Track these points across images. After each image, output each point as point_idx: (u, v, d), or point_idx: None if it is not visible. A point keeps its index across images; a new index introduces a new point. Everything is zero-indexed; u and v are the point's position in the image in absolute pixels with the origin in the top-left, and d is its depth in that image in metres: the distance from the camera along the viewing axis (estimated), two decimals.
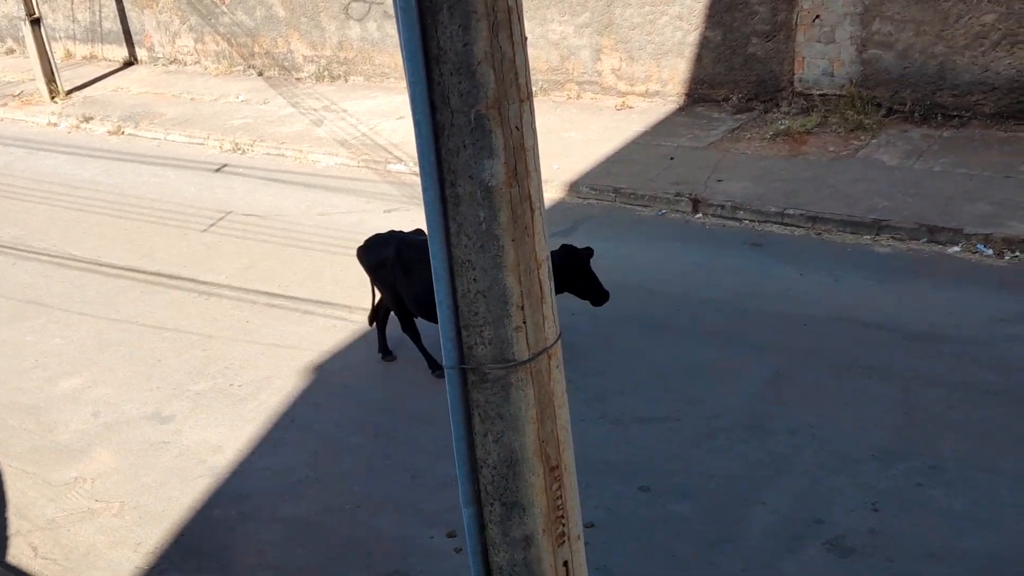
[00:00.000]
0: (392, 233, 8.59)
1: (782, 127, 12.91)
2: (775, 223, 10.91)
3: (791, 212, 10.87)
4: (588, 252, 8.21)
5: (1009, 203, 10.28)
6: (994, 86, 11.97)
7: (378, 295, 8.74)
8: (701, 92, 14.34)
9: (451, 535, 6.65)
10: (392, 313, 8.72)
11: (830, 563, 6.08)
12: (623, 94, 14.98)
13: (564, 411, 3.24)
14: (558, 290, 7.54)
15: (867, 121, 12.54)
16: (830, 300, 9.17)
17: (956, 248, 9.86)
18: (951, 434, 7.12)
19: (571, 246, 8.15)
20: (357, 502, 7.16)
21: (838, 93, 13.06)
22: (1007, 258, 9.57)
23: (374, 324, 8.98)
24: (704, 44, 14.03)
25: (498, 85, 2.77)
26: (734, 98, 13.96)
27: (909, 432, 7.20)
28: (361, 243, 8.71)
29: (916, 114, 12.51)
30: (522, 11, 2.82)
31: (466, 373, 3.08)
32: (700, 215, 11.43)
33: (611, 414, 7.86)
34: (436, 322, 8.40)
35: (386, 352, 8.91)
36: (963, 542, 6.11)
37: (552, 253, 7.49)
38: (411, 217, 11.57)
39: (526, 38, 2.84)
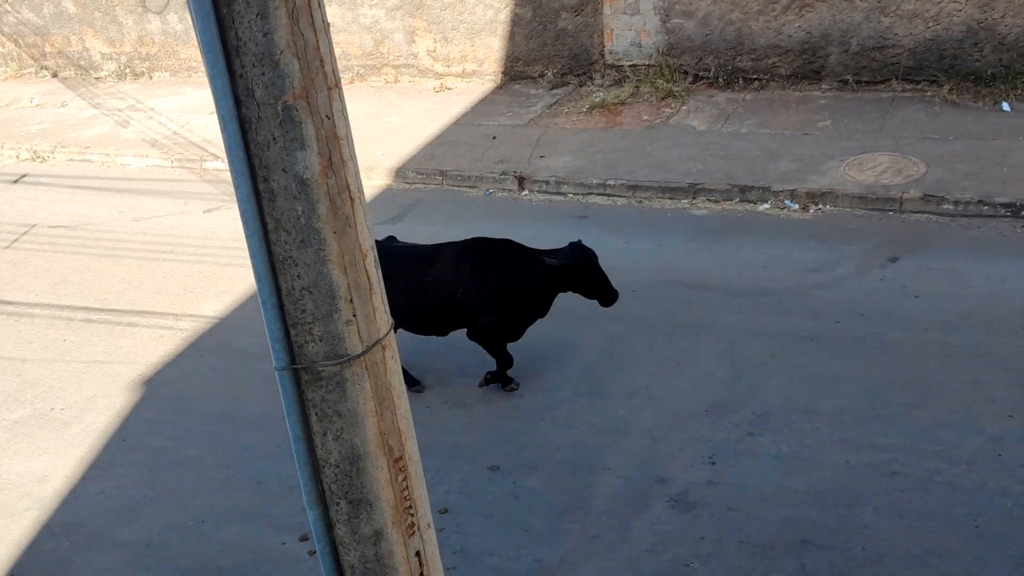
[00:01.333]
0: None
1: (597, 100, 13.22)
2: (598, 194, 11.18)
3: (612, 183, 11.16)
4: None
5: (809, 159, 10.92)
6: (787, 49, 12.66)
7: None
8: (517, 69, 14.48)
9: (303, 539, 6.50)
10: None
11: (675, 519, 6.32)
12: (440, 76, 14.95)
13: (404, 401, 3.21)
14: (563, 288, 7.40)
15: (676, 89, 13.02)
16: (655, 265, 9.49)
17: (766, 205, 10.40)
18: (775, 382, 7.53)
19: (581, 243, 7.40)
20: (201, 517, 6.89)
21: (647, 63, 13.49)
22: (811, 211, 10.17)
23: None
24: (515, 21, 14.17)
25: (304, 74, 2.69)
26: (549, 74, 14.18)
27: (737, 384, 7.56)
28: None
29: (720, 79, 13.08)
30: None
31: (298, 373, 2.99)
32: (526, 192, 11.57)
33: (455, 397, 7.88)
34: (421, 333, 7.60)
35: (412, 382, 7.94)
36: (792, 482, 6.49)
37: (562, 250, 7.26)
38: (233, 215, 11.17)
39: (329, 24, 2.76)
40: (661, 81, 13.15)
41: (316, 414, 3.01)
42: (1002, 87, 11.44)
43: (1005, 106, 11.25)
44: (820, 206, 10.20)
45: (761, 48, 12.77)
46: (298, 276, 2.89)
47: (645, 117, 12.71)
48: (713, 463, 6.78)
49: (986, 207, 9.54)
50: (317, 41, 2.71)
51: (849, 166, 10.64)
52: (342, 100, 2.86)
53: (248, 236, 2.87)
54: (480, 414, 7.64)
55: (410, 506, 3.18)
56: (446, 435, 7.39)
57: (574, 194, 11.30)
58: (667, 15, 13.14)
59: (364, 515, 3.09)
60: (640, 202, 10.93)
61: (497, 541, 6.34)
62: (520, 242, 7.60)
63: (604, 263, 9.67)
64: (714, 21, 12.88)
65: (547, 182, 11.48)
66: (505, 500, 6.69)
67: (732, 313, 8.51)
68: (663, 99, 12.98)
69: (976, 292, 8.29)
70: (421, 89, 14.96)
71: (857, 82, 12.36)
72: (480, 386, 7.85)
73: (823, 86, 12.56)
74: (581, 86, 13.92)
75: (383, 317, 3.07)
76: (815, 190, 10.27)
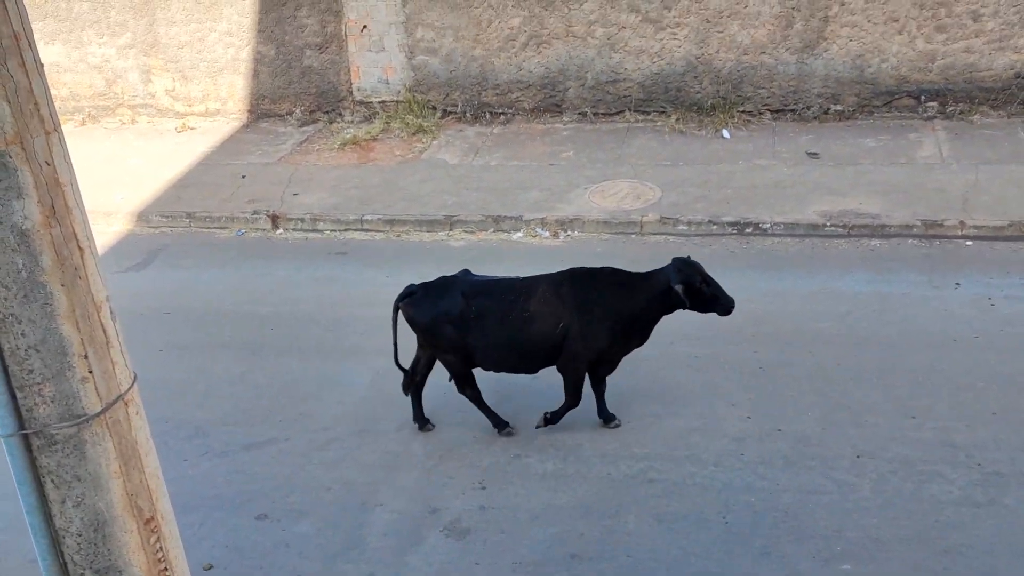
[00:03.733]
0: (444, 279, 7.28)
1: (348, 136, 13.19)
2: (356, 230, 11.13)
3: (369, 218, 11.15)
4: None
5: (556, 188, 11.42)
6: (529, 84, 13.21)
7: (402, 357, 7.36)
8: (264, 107, 14.19)
9: None
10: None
11: (450, 547, 6.36)
12: (182, 115, 14.37)
13: (152, 458, 3.03)
14: (671, 309, 6.93)
15: (426, 124, 13.22)
16: None
17: (519, 234, 10.75)
18: (538, 402, 7.75)
19: (687, 258, 7.05)
20: None
21: (395, 99, 13.62)
22: (562, 238, 10.63)
23: (409, 392, 7.56)
24: (259, 59, 13.89)
25: (16, 119, 2.50)
26: (297, 111, 13.99)
27: (503, 408, 7.72)
28: (403, 298, 7.23)
29: (468, 114, 13.43)
30: (32, 35, 2.56)
31: (29, 438, 2.75)
32: (281, 231, 11.32)
33: (216, 447, 7.53)
34: (512, 371, 7.09)
35: (424, 421, 7.56)
36: (559, 499, 6.71)
37: (665, 270, 6.93)
38: None
39: (42, 64, 2.59)
40: (411, 117, 13.32)
41: (52, 481, 2.78)
42: (721, 116, 12.50)
43: (725, 133, 12.30)
44: (569, 232, 10.68)
45: (504, 83, 13.25)
46: (23, 334, 2.67)
47: (398, 152, 12.81)
48: (484, 488, 6.88)
49: (715, 226, 10.35)
50: (30, 83, 2.54)
51: (593, 193, 11.22)
52: (63, 144, 2.68)
53: None
54: (244, 462, 7.35)
55: (166, 568, 3.00)
56: (208, 488, 7.05)
57: (331, 231, 11.18)
58: (412, 52, 13.35)
59: None
60: (398, 236, 10.98)
61: None
62: (619, 268, 7.29)
63: (364, 298, 9.65)
64: (458, 58, 13.23)
65: (302, 219, 11.30)
66: (275, 549, 6.46)
67: None
68: (414, 134, 13.15)
69: None
70: (162, 129, 14.30)
71: (595, 114, 13.09)
72: (537, 427, 7.36)
73: (564, 118, 13.20)
74: (331, 123, 13.84)
75: (124, 371, 2.89)
76: (564, 218, 10.75)
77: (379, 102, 13.71)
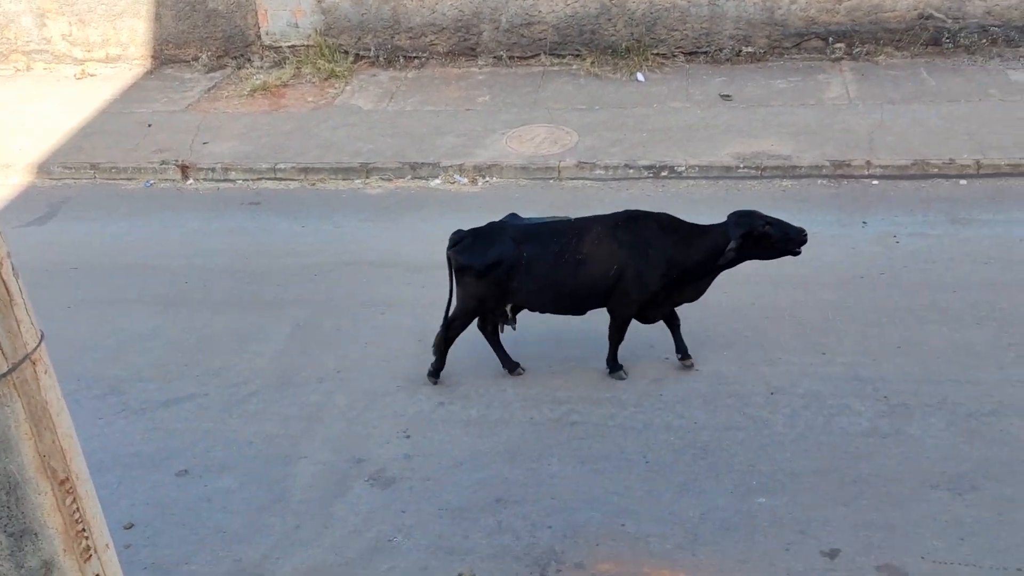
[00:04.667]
0: (492, 226, 7.06)
1: (258, 82, 12.82)
2: (269, 179, 10.88)
3: (283, 166, 10.91)
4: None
5: (473, 134, 11.33)
6: (443, 27, 13.00)
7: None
8: (168, 53, 13.67)
9: None
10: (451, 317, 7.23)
11: (375, 497, 6.37)
12: (81, 61, 13.75)
13: (64, 417, 2.93)
14: (734, 263, 6.77)
15: (338, 69, 12.93)
16: (334, 246, 9.42)
17: (437, 181, 10.66)
18: (460, 350, 7.75)
19: (739, 211, 6.85)
20: None
21: (306, 43, 13.27)
22: (480, 184, 10.57)
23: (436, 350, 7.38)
24: (161, 2, 13.35)
25: None
26: (204, 56, 13.52)
27: (426, 356, 7.70)
28: (453, 245, 7.04)
29: (381, 58, 13.17)
30: None
31: None
32: (191, 181, 11.00)
33: (132, 404, 7.37)
34: (561, 313, 6.92)
35: (514, 366, 7.40)
36: (484, 444, 6.76)
37: (723, 226, 6.68)
38: None
39: None
40: (323, 62, 13.00)
41: None
42: (636, 59, 12.51)
43: (640, 76, 12.32)
44: (487, 178, 10.63)
45: (418, 27, 13.01)
46: None
47: (310, 99, 12.52)
48: (408, 437, 6.89)
49: (631, 170, 10.42)
50: None
51: (510, 139, 11.17)
52: None
53: None
54: (162, 419, 7.21)
55: (83, 529, 2.92)
56: (126, 446, 6.91)
57: (243, 180, 10.91)
58: None
59: (29, 547, 2.80)
60: (313, 184, 10.78)
61: (192, 548, 6.04)
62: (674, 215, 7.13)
63: (280, 248, 9.49)
64: (369, 0, 12.92)
65: (213, 169, 10.99)
66: (198, 505, 6.38)
67: (415, 288, 8.66)
68: (326, 80, 12.85)
69: None
70: (60, 76, 13.69)
71: (510, 58, 12.97)
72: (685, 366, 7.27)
73: (479, 62, 13.05)
74: (240, 69, 13.42)
75: (30, 330, 2.77)
76: (481, 164, 10.68)
77: (289, 46, 13.34)
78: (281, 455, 6.78)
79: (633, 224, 6.92)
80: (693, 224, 7.02)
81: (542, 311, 7.18)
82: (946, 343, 7.40)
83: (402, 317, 8.23)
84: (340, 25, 13.15)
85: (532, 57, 12.96)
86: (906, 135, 10.46)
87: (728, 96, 11.70)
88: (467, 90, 12.44)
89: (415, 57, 13.17)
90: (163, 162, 11.10)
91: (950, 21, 12.07)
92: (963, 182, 9.75)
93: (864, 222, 9.14)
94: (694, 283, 7.06)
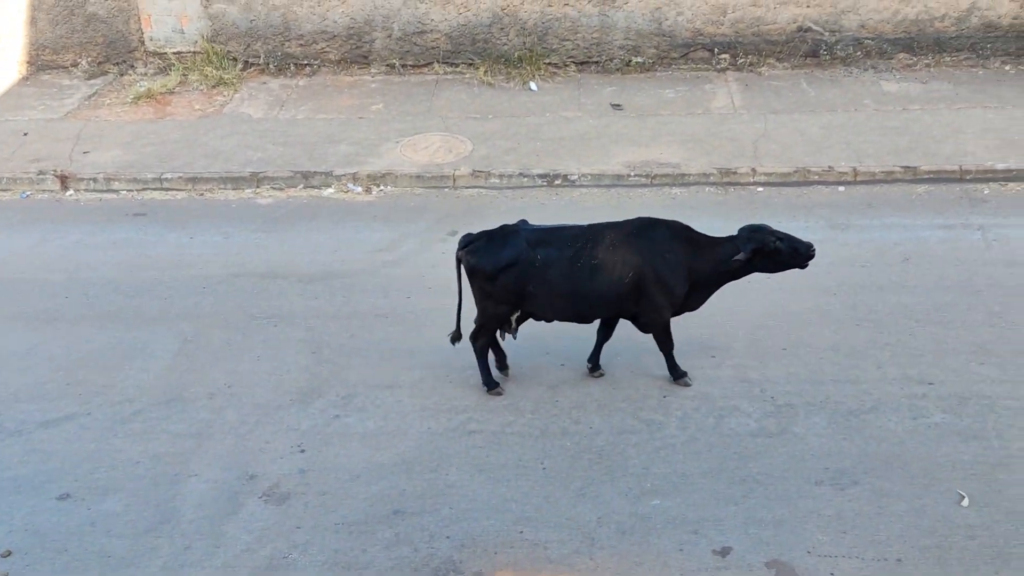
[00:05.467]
0: (505, 227, 6.96)
1: (143, 89, 12.43)
2: (155, 189, 10.57)
3: (169, 176, 10.61)
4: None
5: (367, 142, 11.23)
6: (334, 34, 12.86)
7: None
8: (45, 58, 13.14)
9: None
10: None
11: (269, 513, 6.23)
12: None
13: None
14: (743, 273, 6.92)
15: (227, 76, 12.65)
16: (224, 258, 9.21)
17: (331, 190, 10.52)
18: (356, 362, 7.69)
19: (750, 226, 6.96)
20: None
21: (192, 50, 12.94)
22: (374, 193, 10.48)
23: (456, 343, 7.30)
24: (36, 5, 12.83)
25: None
26: (84, 62, 13.04)
27: (320, 368, 7.61)
28: (464, 246, 6.94)
29: (271, 65, 12.94)
30: None
31: None
32: (71, 192, 10.59)
33: (8, 425, 7.05)
34: (579, 322, 6.80)
35: (492, 384, 7.29)
36: (381, 456, 6.70)
37: (734, 240, 6.81)
38: None
39: None
40: (210, 69, 12.70)
41: None
42: (528, 68, 12.62)
43: (533, 86, 12.43)
44: (382, 187, 10.55)
45: (309, 34, 12.84)
46: None
47: (197, 107, 12.21)
48: (303, 451, 6.77)
49: (526, 178, 10.50)
50: None
51: (404, 147, 11.11)
52: None
53: None
54: (41, 440, 6.91)
55: None
56: (2, 470, 6.59)
57: (128, 191, 10.56)
58: (207, 0, 12.69)
59: None
60: (201, 194, 10.52)
61: (74, 575, 5.81)
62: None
63: (167, 260, 9.23)
64: (258, 6, 12.69)
65: (95, 179, 10.61)
66: (80, 529, 6.13)
67: (308, 299, 8.53)
68: (214, 87, 12.55)
69: None
70: None
71: (403, 66, 12.91)
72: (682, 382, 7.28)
73: (372, 70, 12.95)
74: (123, 75, 12.99)
75: None
76: (376, 172, 10.60)
77: (175, 53, 12.98)
78: (169, 474, 6.58)
79: (647, 231, 6.98)
80: (704, 235, 7.12)
81: (551, 319, 7.12)
82: (828, 344, 7.69)
83: (294, 329, 8.10)
84: (228, 32, 12.87)
85: (426, 65, 12.94)
86: (788, 144, 10.83)
87: (619, 105, 11.91)
88: (360, 98, 12.33)
89: (306, 65, 12.99)
90: (40, 172, 10.65)
91: (827, 34, 12.57)
92: (841, 189, 10.16)
93: None
94: (696, 294, 7.12)
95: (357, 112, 11.97)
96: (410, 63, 12.94)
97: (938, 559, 5.73)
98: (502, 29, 12.72)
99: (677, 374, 7.30)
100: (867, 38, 12.57)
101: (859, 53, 12.61)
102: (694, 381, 7.29)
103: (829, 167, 10.33)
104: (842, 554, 5.79)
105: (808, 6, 12.42)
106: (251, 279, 8.84)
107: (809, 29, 12.56)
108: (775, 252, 6.80)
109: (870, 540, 5.88)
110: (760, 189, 10.24)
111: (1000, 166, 10.16)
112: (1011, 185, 10.04)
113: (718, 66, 12.66)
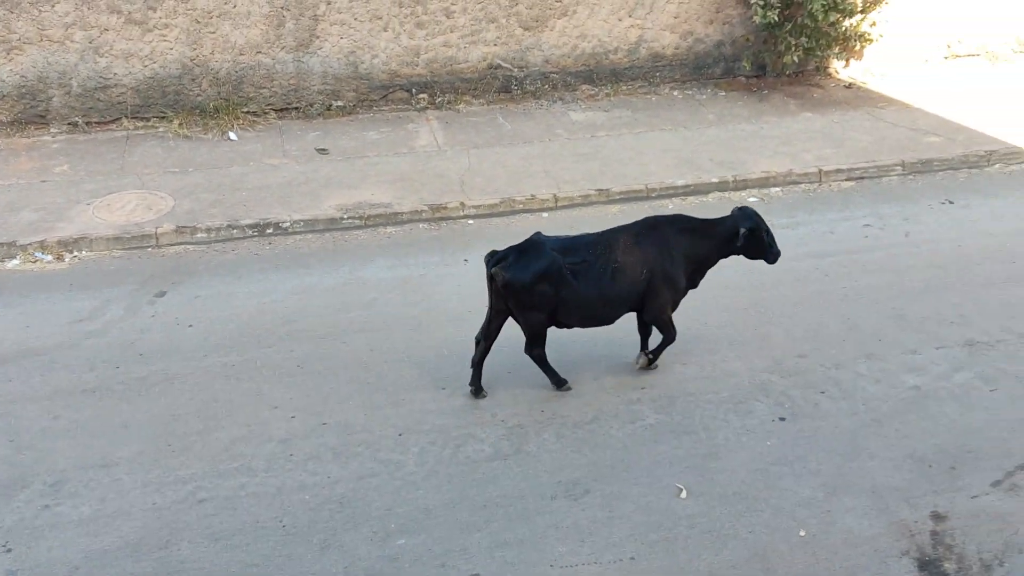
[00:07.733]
0: (531, 241, 7.30)
1: None
2: None
3: None
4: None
5: (54, 207, 10.40)
6: (3, 94, 11.84)
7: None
8: None
9: None
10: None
11: None
12: None
13: None
14: (731, 252, 7.56)
15: None
16: None
17: (16, 261, 9.63)
18: (62, 444, 7.05)
19: (745, 207, 7.70)
20: None
21: None
22: (68, 260, 9.71)
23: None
24: None
25: None
26: None
27: (20, 457, 6.91)
28: (496, 260, 7.19)
29: None
30: None
31: None
32: None
33: None
34: (600, 325, 7.61)
35: (561, 382, 7.67)
36: (102, 543, 6.16)
37: (730, 217, 7.51)
38: None
39: None
40: None
41: None
42: (226, 118, 12.27)
43: (232, 135, 12.10)
44: (76, 253, 9.80)
45: None
46: None
47: None
48: (9, 551, 6.10)
49: (235, 230, 10.17)
50: None
51: (98, 208, 10.40)
52: None
53: None
54: None
55: None
56: None
57: None
58: None
59: None
60: None
61: None
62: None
63: None
64: None
65: None
66: None
67: (4, 382, 7.74)
68: None
69: (243, 310, 8.80)
70: None
71: (88, 123, 12.12)
72: (639, 367, 7.85)
73: (52, 130, 12.05)
74: None
75: None
76: (67, 238, 9.83)
77: None
78: None
79: (654, 230, 7.55)
80: (703, 219, 7.79)
81: (573, 324, 7.50)
82: None
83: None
84: None
85: (113, 121, 12.22)
86: (492, 176, 11.27)
87: (324, 150, 11.86)
88: (41, 160, 11.41)
89: None
90: None
91: (516, 70, 13.26)
92: (545, 215, 10.71)
93: (466, 259, 9.68)
94: (699, 274, 7.76)
95: (39, 175, 11.06)
96: (95, 120, 12.17)
97: (667, 551, 6.14)
98: (194, 80, 12.29)
99: (658, 356, 7.83)
100: (552, 72, 13.40)
101: (547, 87, 13.40)
102: (429, 415, 7.36)
103: (532, 195, 10.86)
104: (582, 562, 6.05)
105: (495, 44, 13.04)
106: None
107: (499, 66, 13.18)
108: (760, 239, 7.51)
109: (605, 544, 6.19)
110: (471, 222, 10.56)
111: (680, 182, 11.16)
112: (690, 199, 11.04)
113: (418, 106, 12.97)
